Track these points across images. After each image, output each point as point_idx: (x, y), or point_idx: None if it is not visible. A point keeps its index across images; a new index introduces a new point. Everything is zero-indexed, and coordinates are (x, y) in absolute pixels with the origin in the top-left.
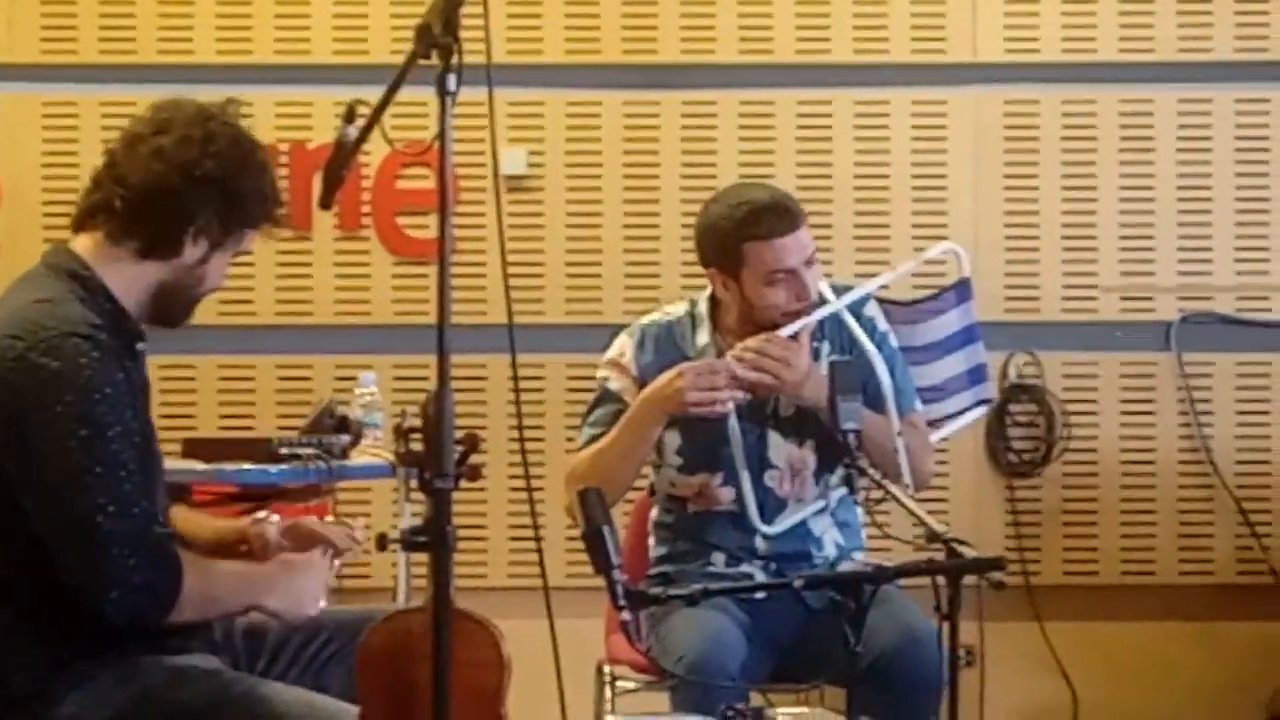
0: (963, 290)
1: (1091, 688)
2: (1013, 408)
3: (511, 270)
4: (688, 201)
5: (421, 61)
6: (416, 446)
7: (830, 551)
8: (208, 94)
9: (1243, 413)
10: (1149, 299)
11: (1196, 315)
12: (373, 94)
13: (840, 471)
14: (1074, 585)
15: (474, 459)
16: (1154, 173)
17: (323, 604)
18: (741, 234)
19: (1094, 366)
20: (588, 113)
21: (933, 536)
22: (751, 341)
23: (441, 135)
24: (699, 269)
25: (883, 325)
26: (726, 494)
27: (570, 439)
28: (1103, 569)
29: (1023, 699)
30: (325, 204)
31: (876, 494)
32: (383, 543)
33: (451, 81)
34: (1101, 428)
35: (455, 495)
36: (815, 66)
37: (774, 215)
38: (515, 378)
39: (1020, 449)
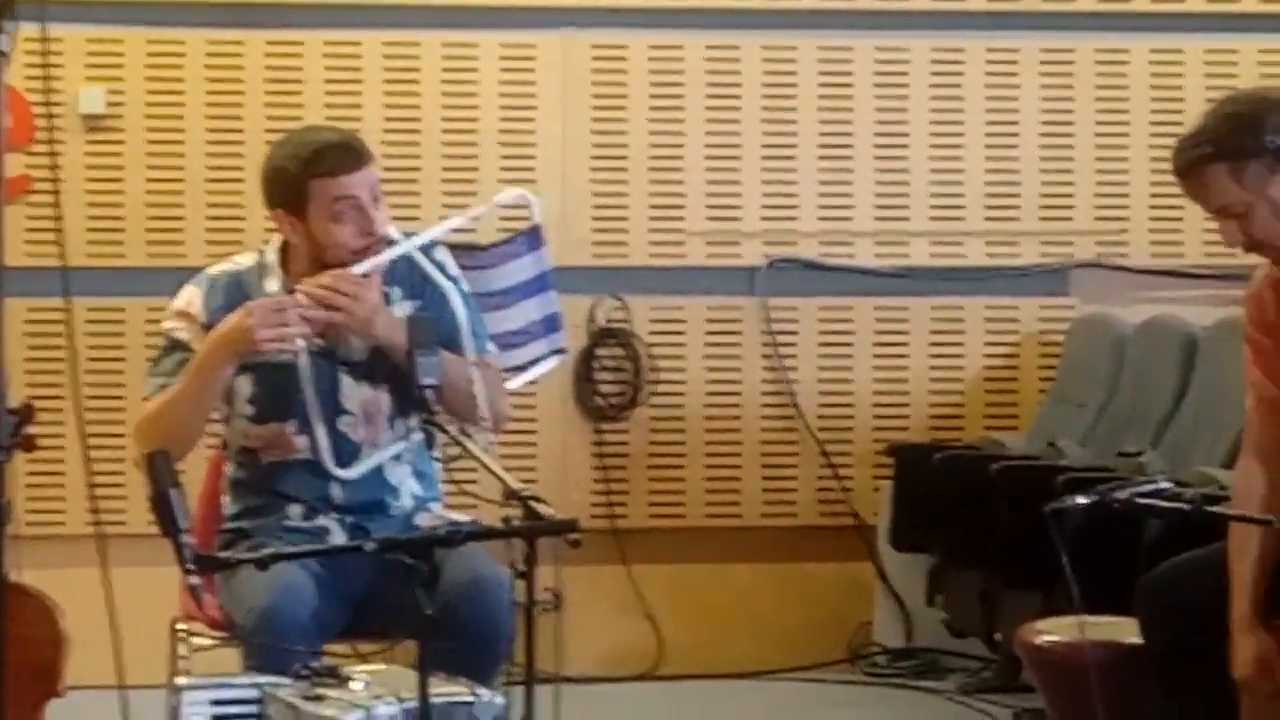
0: (534, 237)
1: (677, 630)
2: (600, 352)
3: (91, 212)
4: (274, 143)
5: None
6: None
7: (407, 502)
8: None
9: (825, 356)
10: (735, 244)
11: (781, 260)
12: None
13: (417, 416)
14: (660, 528)
15: (31, 428)
16: (740, 119)
17: None
18: (306, 172)
19: (680, 311)
20: (170, 51)
21: (510, 494)
22: (321, 277)
23: None
24: None
25: (454, 269)
26: (301, 442)
27: None
28: (689, 512)
29: (608, 642)
30: None
31: (455, 449)
32: None
33: (4, 42)
34: (688, 372)
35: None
36: (403, 7)
37: (339, 152)
38: (68, 323)
39: (607, 393)
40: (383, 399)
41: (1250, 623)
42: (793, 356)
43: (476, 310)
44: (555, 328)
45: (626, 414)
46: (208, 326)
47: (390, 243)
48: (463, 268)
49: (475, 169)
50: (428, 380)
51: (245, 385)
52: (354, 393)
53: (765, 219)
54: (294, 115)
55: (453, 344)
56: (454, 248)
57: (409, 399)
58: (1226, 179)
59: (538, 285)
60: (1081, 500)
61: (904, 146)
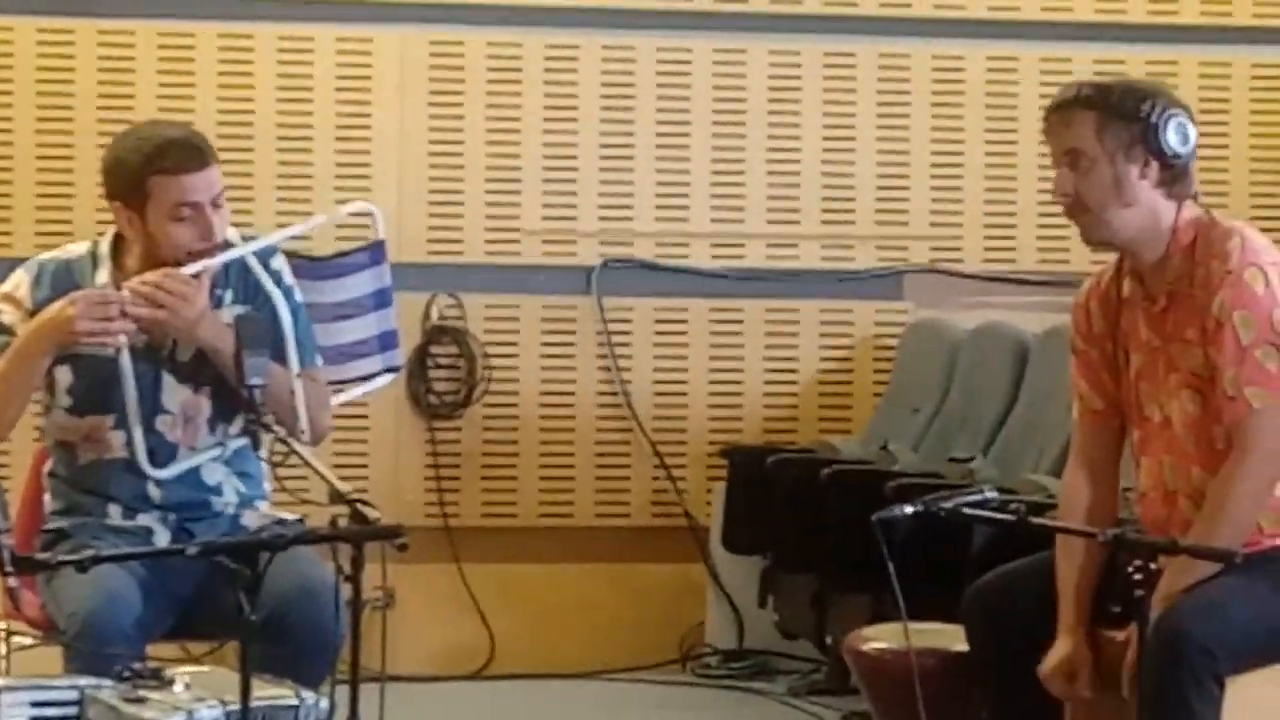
0: (376, 252)
1: (509, 629)
2: (434, 350)
3: None
4: (105, 134)
5: None
6: None
7: (231, 499)
8: None
9: (660, 357)
10: (571, 243)
11: (617, 260)
12: None
13: (239, 421)
14: (493, 527)
15: None
16: (578, 118)
17: None
18: (148, 168)
19: (515, 309)
20: None
21: (337, 496)
22: (150, 275)
23: None
24: None
25: (289, 279)
26: (118, 439)
27: None
28: (521, 511)
29: (439, 641)
30: None
31: (282, 450)
32: None
33: None
34: (522, 370)
35: None
36: None
37: (183, 151)
38: None
39: (441, 391)
40: (204, 402)
41: (1070, 630)
42: (627, 357)
43: (307, 321)
44: (391, 345)
45: (460, 412)
46: (33, 313)
47: (228, 245)
48: (300, 277)
49: (310, 164)
50: (254, 380)
51: (65, 375)
52: (175, 393)
53: (601, 218)
54: (125, 106)
55: (277, 355)
56: (292, 256)
57: (230, 404)
58: (1090, 127)
59: (376, 300)
60: (908, 510)
61: (741, 149)
